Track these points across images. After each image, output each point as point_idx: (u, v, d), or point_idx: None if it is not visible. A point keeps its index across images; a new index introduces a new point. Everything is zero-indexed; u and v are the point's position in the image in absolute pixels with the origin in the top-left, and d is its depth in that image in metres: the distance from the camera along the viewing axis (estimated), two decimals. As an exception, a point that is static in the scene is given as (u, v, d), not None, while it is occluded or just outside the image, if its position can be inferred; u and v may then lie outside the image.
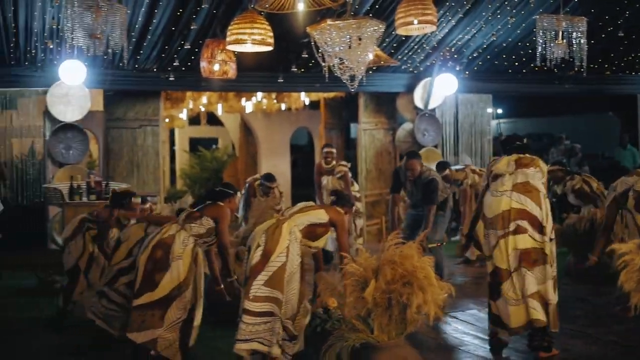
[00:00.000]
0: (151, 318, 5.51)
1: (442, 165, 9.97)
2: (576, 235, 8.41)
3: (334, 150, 10.70)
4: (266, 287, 5.19)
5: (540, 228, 5.44)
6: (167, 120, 16.83)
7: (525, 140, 5.95)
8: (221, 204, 5.93)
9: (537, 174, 5.63)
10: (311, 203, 5.81)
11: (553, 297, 5.39)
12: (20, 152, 11.18)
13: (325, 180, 10.46)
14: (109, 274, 6.64)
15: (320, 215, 5.50)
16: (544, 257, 5.40)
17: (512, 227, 5.42)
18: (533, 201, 5.44)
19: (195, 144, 21.62)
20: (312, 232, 5.46)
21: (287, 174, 16.36)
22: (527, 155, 5.74)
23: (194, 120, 19.45)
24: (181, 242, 5.67)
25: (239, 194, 6.18)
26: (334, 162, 10.42)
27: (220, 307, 7.11)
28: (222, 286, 6.14)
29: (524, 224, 5.42)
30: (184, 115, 17.47)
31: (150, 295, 5.51)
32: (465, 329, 6.59)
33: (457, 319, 6.90)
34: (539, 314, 5.40)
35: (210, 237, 5.82)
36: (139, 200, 7.89)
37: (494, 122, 36.43)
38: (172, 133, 20.93)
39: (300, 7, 7.46)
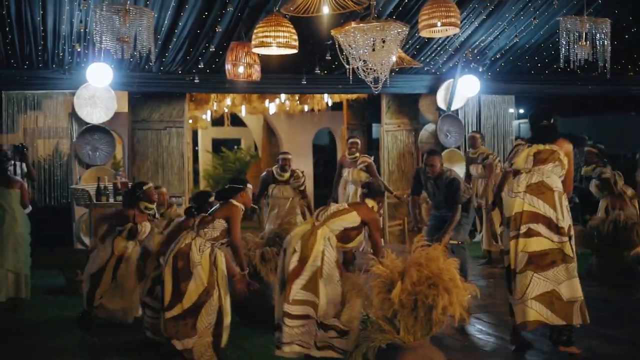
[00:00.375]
0: (184, 328, 5.63)
1: None
2: (600, 237, 8.42)
3: (359, 141, 10.80)
4: (303, 291, 5.28)
5: (557, 229, 5.47)
6: (190, 121, 16.96)
7: (552, 120, 5.83)
8: (233, 202, 5.98)
9: (557, 169, 5.62)
10: (344, 205, 5.81)
11: (579, 293, 5.43)
12: (46, 153, 11.35)
13: (347, 172, 10.56)
14: (146, 284, 6.78)
15: (353, 219, 5.55)
16: (563, 256, 5.44)
17: (523, 229, 5.46)
18: (547, 203, 5.46)
19: (218, 145, 21.77)
20: (346, 236, 5.54)
21: (309, 174, 16.46)
22: (547, 147, 5.70)
23: (216, 121, 19.59)
24: (198, 249, 5.77)
25: (249, 185, 6.20)
26: (358, 154, 10.49)
27: (244, 308, 7.25)
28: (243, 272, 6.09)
29: (538, 227, 5.45)
30: (207, 116, 17.60)
31: (180, 306, 5.64)
32: (490, 330, 6.64)
33: (481, 320, 6.95)
34: (538, 315, 5.48)
35: (225, 238, 5.91)
36: (151, 187, 7.91)
37: (515, 123, 36.40)
38: (194, 134, 21.08)
39: (325, 10, 7.54)
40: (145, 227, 7.50)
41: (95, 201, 9.71)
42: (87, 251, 10.41)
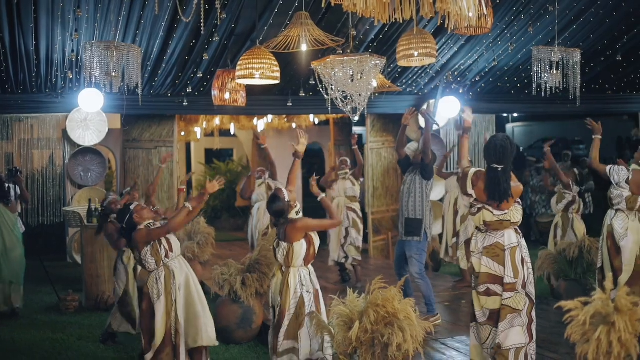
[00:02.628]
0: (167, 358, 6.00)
1: None
2: (566, 260, 8.83)
3: (348, 159, 11.22)
4: (286, 340, 5.65)
5: (509, 285, 5.80)
6: (182, 133, 17.33)
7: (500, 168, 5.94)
8: (139, 227, 6.11)
9: (516, 214, 5.92)
10: (283, 244, 5.86)
11: (517, 342, 5.76)
12: (38, 168, 11.74)
13: (336, 189, 11.00)
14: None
15: (300, 245, 5.72)
16: (512, 310, 5.77)
17: (482, 288, 5.77)
18: (500, 264, 5.74)
19: (210, 156, 22.12)
20: (310, 254, 5.78)
21: (299, 186, 16.85)
22: (496, 220, 5.84)
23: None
24: (154, 284, 6.10)
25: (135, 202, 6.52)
26: (348, 171, 10.92)
27: (229, 332, 7.69)
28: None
29: (494, 287, 5.71)
30: (198, 133, 17.98)
31: (154, 345, 5.99)
32: (455, 355, 7.03)
33: (446, 345, 7.35)
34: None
35: (164, 253, 6.08)
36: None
37: (508, 126, 36.67)
38: (187, 146, 21.43)
39: (304, 47, 7.93)
40: None
41: (86, 222, 10.10)
42: (77, 266, 10.90)
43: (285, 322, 5.66)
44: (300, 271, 5.75)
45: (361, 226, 10.89)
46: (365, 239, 12.88)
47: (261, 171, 11.39)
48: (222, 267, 7.94)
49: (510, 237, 5.73)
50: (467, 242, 10.50)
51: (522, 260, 5.70)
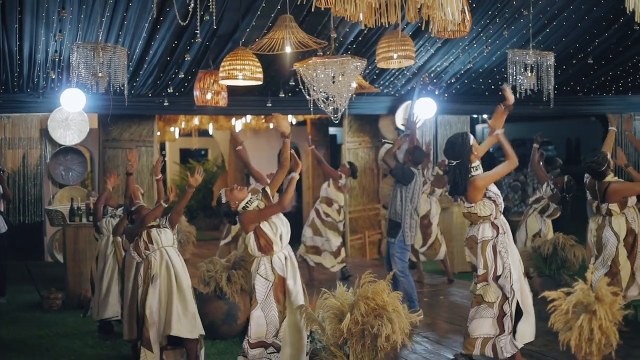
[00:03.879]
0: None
1: None
2: (541, 257, 9.11)
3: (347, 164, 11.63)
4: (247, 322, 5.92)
5: (480, 276, 6.10)
6: (158, 133, 17.39)
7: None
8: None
9: (484, 208, 6.22)
10: (244, 244, 6.25)
11: (484, 331, 6.03)
12: (19, 167, 11.78)
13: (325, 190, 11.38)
14: None
15: (250, 236, 5.94)
16: (480, 298, 6.06)
17: (473, 276, 6.16)
18: (474, 256, 6.11)
19: (185, 155, 22.20)
20: (259, 242, 5.96)
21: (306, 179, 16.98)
22: (467, 212, 6.28)
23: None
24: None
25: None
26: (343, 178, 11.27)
27: (214, 328, 7.86)
28: None
29: (475, 276, 6.14)
30: (176, 133, 18.06)
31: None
32: (435, 348, 7.27)
33: (427, 339, 7.58)
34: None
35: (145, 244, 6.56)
36: None
37: (478, 127, 37.09)
38: (162, 146, 21.46)
39: (288, 49, 8.11)
40: None
41: (68, 221, 10.19)
42: (59, 265, 10.98)
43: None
44: (261, 260, 5.95)
45: (321, 228, 11.13)
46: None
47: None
48: (208, 264, 8.10)
49: (485, 231, 6.07)
50: None
51: (496, 253, 5.98)
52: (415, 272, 11.26)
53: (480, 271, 6.03)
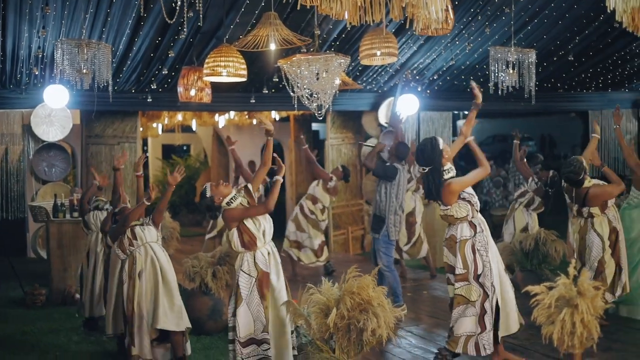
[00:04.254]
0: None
1: None
2: (522, 252, 9.22)
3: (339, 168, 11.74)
4: (231, 318, 6.00)
5: (460, 276, 6.21)
6: (141, 129, 17.36)
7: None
8: None
9: (460, 209, 6.32)
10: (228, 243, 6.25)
11: (467, 330, 6.14)
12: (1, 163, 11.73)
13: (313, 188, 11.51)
14: None
15: (233, 232, 6.00)
16: (464, 299, 6.17)
17: (446, 277, 6.27)
18: (453, 255, 6.22)
19: (168, 151, 22.17)
20: (242, 238, 6.00)
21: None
22: (443, 214, 6.40)
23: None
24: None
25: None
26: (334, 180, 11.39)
27: (200, 324, 7.92)
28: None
29: (450, 276, 6.25)
30: (159, 129, 18.04)
31: None
32: (419, 343, 7.36)
33: (412, 332, 7.68)
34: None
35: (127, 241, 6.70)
36: None
37: (460, 122, 37.27)
38: (144, 141, 21.41)
39: (272, 47, 8.15)
40: None
41: (52, 217, 10.18)
42: (42, 261, 10.97)
43: (231, 302, 6.02)
44: (245, 256, 6.02)
45: (303, 224, 11.21)
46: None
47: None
48: (193, 259, 8.14)
49: (463, 231, 6.19)
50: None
51: (475, 252, 6.08)
52: (398, 267, 11.35)
53: (459, 271, 6.14)
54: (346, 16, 5.85)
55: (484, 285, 6.11)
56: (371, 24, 6.05)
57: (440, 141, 6.37)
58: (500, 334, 6.23)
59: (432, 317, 8.45)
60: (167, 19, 7.40)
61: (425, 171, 6.29)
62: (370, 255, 9.07)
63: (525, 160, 10.36)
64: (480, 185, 17.26)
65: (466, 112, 33.06)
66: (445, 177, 6.26)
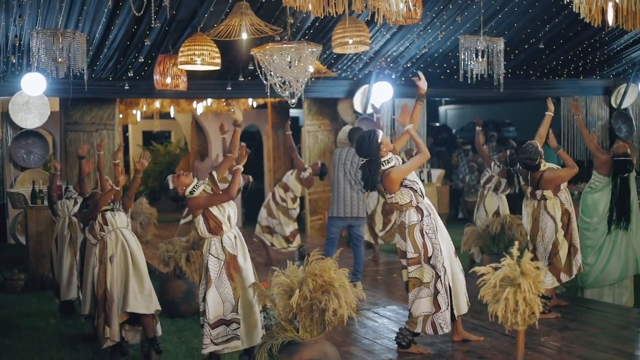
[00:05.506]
0: None
1: None
2: (489, 235, 9.49)
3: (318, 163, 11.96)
4: (201, 303, 6.26)
5: (412, 260, 6.47)
6: (121, 115, 17.48)
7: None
8: None
9: (403, 196, 6.54)
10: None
11: (425, 310, 6.41)
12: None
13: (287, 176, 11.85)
14: None
15: (199, 219, 6.22)
16: (418, 281, 6.44)
17: (400, 263, 6.55)
18: (404, 240, 6.49)
19: (148, 138, 22.28)
20: (208, 224, 6.21)
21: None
22: (390, 203, 6.67)
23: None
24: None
25: None
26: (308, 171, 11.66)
27: (175, 307, 8.15)
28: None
29: (403, 261, 6.52)
30: (138, 116, 18.16)
31: None
32: (385, 323, 7.62)
33: (378, 314, 7.94)
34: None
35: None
36: None
37: (441, 109, 37.53)
38: (125, 128, 21.49)
39: (244, 36, 8.33)
40: None
41: (30, 204, 10.35)
42: (21, 247, 11.14)
43: (201, 286, 6.25)
44: (211, 240, 6.24)
45: (274, 211, 11.45)
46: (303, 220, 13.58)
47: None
48: (167, 244, 8.35)
49: (411, 216, 6.48)
50: (369, 217, 11.27)
51: (423, 235, 6.35)
52: (372, 251, 11.62)
53: (411, 255, 6.42)
54: (310, 8, 6.04)
55: (436, 267, 6.37)
56: (334, 15, 6.24)
57: (379, 134, 6.54)
58: (455, 312, 6.50)
59: (401, 300, 8.70)
60: (135, 13, 7.53)
61: (363, 162, 6.52)
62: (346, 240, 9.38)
63: (485, 146, 10.60)
64: (456, 172, 17.57)
65: (446, 99, 33.15)
66: (385, 167, 6.47)
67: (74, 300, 8.50)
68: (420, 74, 7.07)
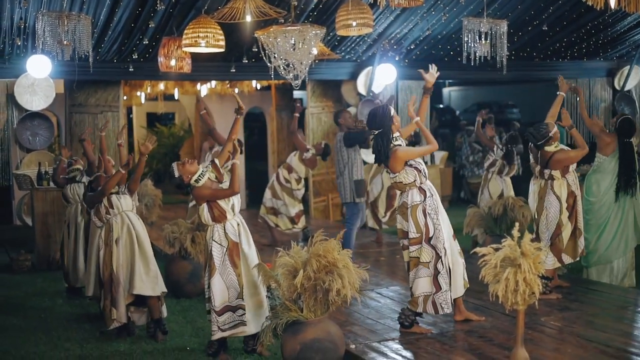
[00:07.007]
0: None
1: None
2: (491, 216, 9.56)
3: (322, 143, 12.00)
4: (207, 290, 6.34)
5: (413, 240, 6.53)
6: (125, 97, 17.53)
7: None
8: None
9: (407, 175, 6.59)
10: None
11: (425, 290, 6.49)
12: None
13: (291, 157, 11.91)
14: None
15: (203, 207, 6.25)
16: (417, 261, 6.51)
17: (401, 243, 6.61)
18: (406, 221, 6.53)
19: (152, 120, 22.34)
20: (213, 212, 6.25)
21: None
22: (393, 182, 6.69)
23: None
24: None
25: None
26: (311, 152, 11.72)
27: (180, 287, 8.25)
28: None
29: (405, 241, 6.57)
30: (142, 97, 18.20)
31: None
32: (388, 304, 7.71)
33: (381, 294, 8.03)
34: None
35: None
36: None
37: (445, 90, 37.45)
38: (129, 110, 21.55)
39: (248, 18, 8.38)
40: None
41: (36, 185, 10.44)
42: (27, 228, 11.23)
43: (205, 274, 6.32)
44: (215, 227, 6.27)
45: (279, 192, 11.53)
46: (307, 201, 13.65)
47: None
48: (172, 225, 8.44)
49: (413, 196, 6.52)
50: (372, 203, 11.36)
51: (426, 215, 6.41)
52: (375, 234, 11.71)
53: (413, 235, 6.47)
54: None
55: (436, 247, 6.44)
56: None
57: (392, 109, 6.64)
58: (452, 294, 6.59)
59: (403, 281, 8.77)
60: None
61: (376, 134, 6.54)
62: None
63: (483, 131, 10.70)
64: (459, 153, 17.61)
65: (450, 81, 33.08)
66: (394, 143, 6.50)
67: (83, 287, 8.59)
68: (433, 66, 7.02)
